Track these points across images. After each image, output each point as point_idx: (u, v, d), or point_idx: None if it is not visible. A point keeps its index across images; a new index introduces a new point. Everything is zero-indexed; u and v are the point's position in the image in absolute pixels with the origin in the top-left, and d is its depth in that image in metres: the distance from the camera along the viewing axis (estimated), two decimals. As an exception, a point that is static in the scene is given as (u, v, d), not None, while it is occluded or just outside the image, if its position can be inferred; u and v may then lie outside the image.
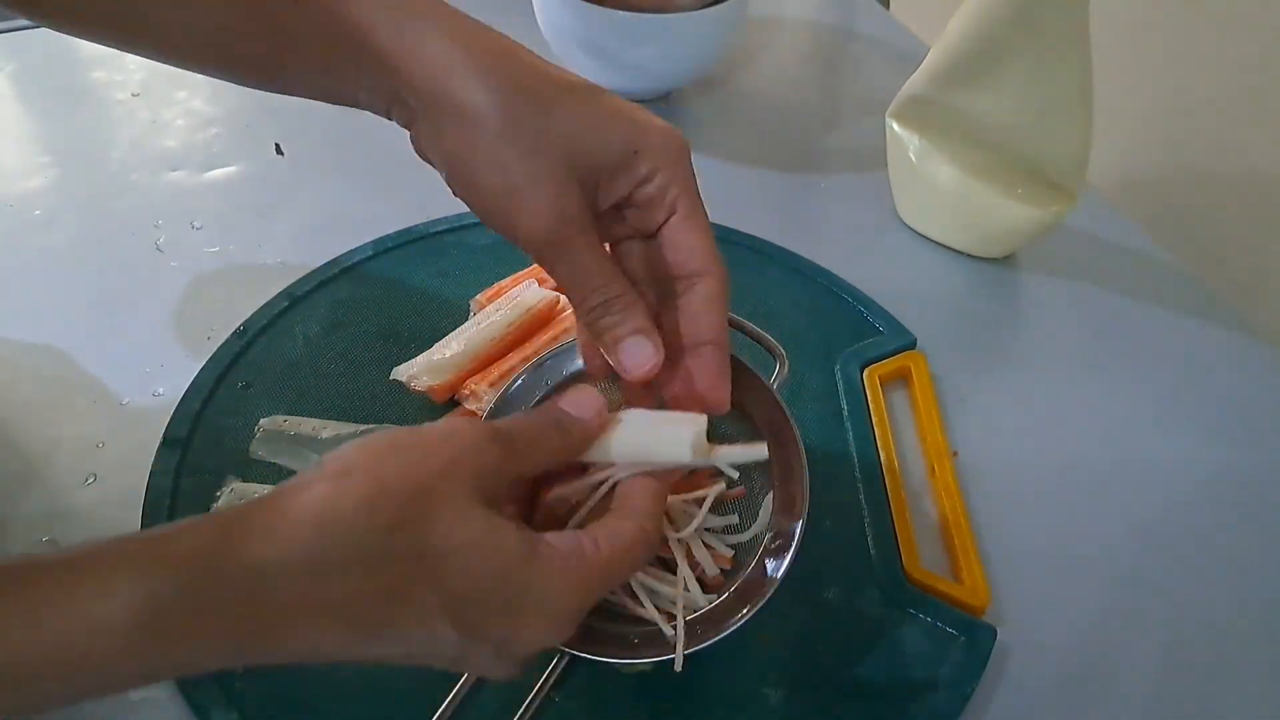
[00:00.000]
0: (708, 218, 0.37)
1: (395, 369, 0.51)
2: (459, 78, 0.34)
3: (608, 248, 0.38)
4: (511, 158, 0.33)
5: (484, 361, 0.51)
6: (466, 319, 0.55)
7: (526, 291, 0.54)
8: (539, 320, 0.53)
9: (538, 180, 0.34)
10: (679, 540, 0.42)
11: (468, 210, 0.35)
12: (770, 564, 0.40)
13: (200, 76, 0.39)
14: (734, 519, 0.44)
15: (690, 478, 0.44)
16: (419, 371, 0.50)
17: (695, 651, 0.38)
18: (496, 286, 0.56)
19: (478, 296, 0.56)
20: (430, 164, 0.37)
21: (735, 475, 0.38)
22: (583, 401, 0.35)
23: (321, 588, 0.27)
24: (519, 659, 0.31)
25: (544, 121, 0.34)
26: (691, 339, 0.37)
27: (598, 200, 0.36)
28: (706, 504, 0.40)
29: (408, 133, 0.37)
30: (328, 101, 0.38)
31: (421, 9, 0.35)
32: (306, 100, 0.38)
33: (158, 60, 0.38)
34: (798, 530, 0.40)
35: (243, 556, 0.26)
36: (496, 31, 0.36)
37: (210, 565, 0.26)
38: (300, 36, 0.35)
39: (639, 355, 0.36)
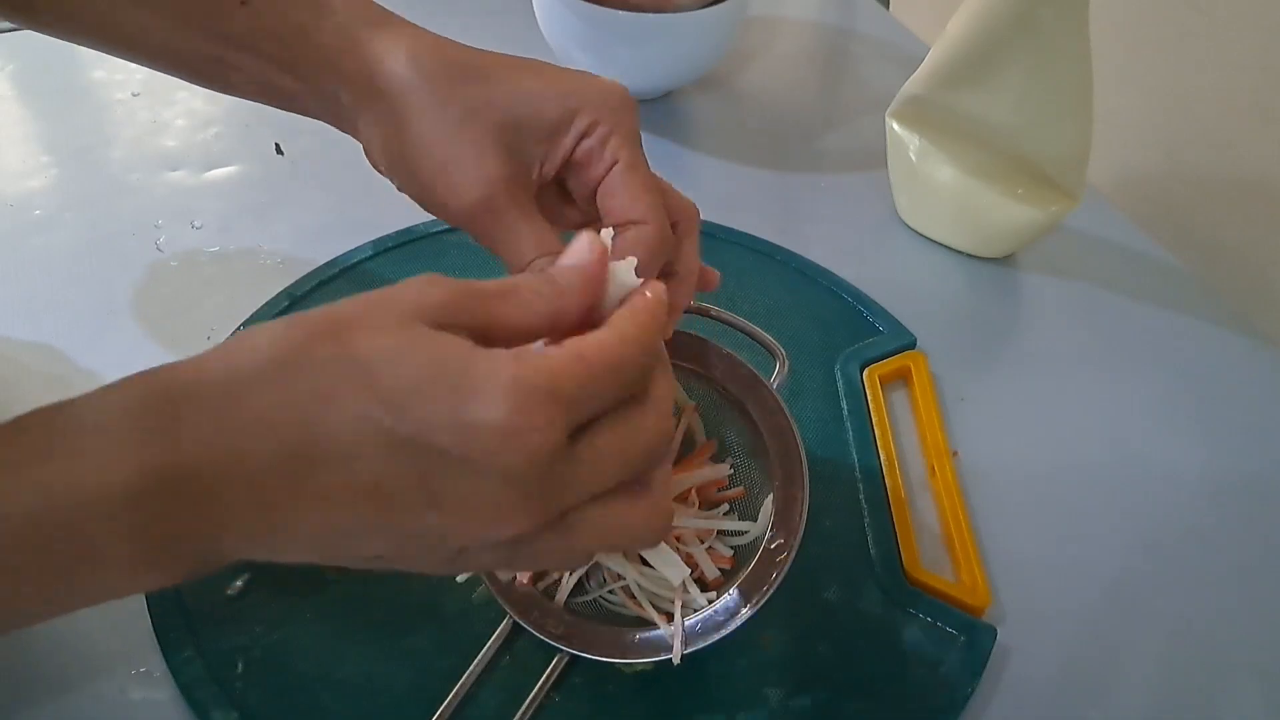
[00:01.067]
0: (651, 172, 0.36)
1: None
2: (389, 63, 0.35)
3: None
4: (438, 134, 0.34)
5: None
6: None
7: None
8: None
9: (463, 152, 0.34)
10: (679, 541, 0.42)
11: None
12: (770, 564, 0.40)
13: None
14: (735, 520, 0.44)
15: (686, 462, 0.44)
16: None
17: (695, 652, 0.38)
18: None
19: None
20: (379, 170, 0.38)
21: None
22: (580, 247, 0.29)
23: (230, 399, 0.25)
24: (496, 459, 0.24)
25: (474, 93, 0.34)
26: None
27: (541, 168, 0.36)
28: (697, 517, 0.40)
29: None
30: (278, 107, 0.39)
31: (371, 16, 0.36)
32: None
33: (107, 53, 0.39)
34: (798, 531, 0.40)
35: (156, 390, 0.26)
36: (447, 39, 0.37)
37: (128, 408, 0.25)
38: (246, 39, 0.36)
39: (580, 251, 0.33)
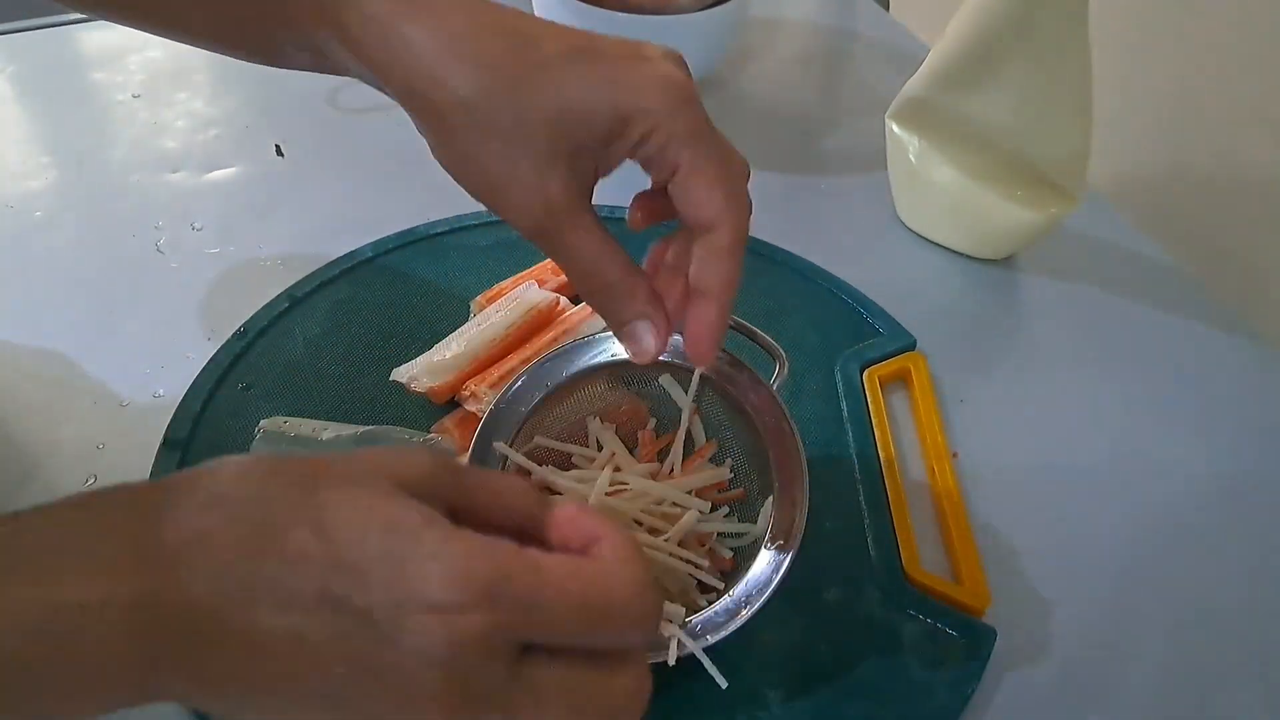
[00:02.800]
0: (721, 162, 0.34)
1: (395, 370, 0.51)
2: (430, 73, 0.32)
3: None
4: (490, 152, 0.33)
5: (484, 363, 0.51)
6: (467, 320, 0.55)
7: (527, 292, 0.54)
8: (540, 321, 0.53)
9: (517, 171, 0.33)
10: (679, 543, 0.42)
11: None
12: (770, 565, 0.40)
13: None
14: (734, 521, 0.44)
15: (684, 468, 0.44)
16: (419, 373, 0.50)
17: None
18: (497, 288, 0.56)
19: (478, 298, 0.56)
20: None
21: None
22: (576, 518, 0.28)
23: (198, 517, 0.24)
24: (421, 654, 0.23)
25: (524, 103, 0.32)
26: (695, 288, 0.36)
27: (598, 170, 0.35)
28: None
29: (407, 134, 0.37)
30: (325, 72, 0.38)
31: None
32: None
33: (157, 34, 0.39)
34: (797, 532, 0.40)
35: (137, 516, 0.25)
36: (483, 2, 0.34)
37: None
38: (300, 26, 0.35)
39: (641, 340, 0.36)
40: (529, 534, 0.27)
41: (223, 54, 0.39)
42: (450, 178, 0.35)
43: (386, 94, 0.35)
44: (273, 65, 0.38)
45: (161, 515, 0.24)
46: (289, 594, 0.23)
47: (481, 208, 0.35)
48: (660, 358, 0.43)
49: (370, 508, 0.24)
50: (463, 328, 0.54)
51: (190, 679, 0.24)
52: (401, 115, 0.35)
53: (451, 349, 0.51)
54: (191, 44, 0.39)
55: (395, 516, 0.24)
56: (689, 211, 0.35)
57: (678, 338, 0.44)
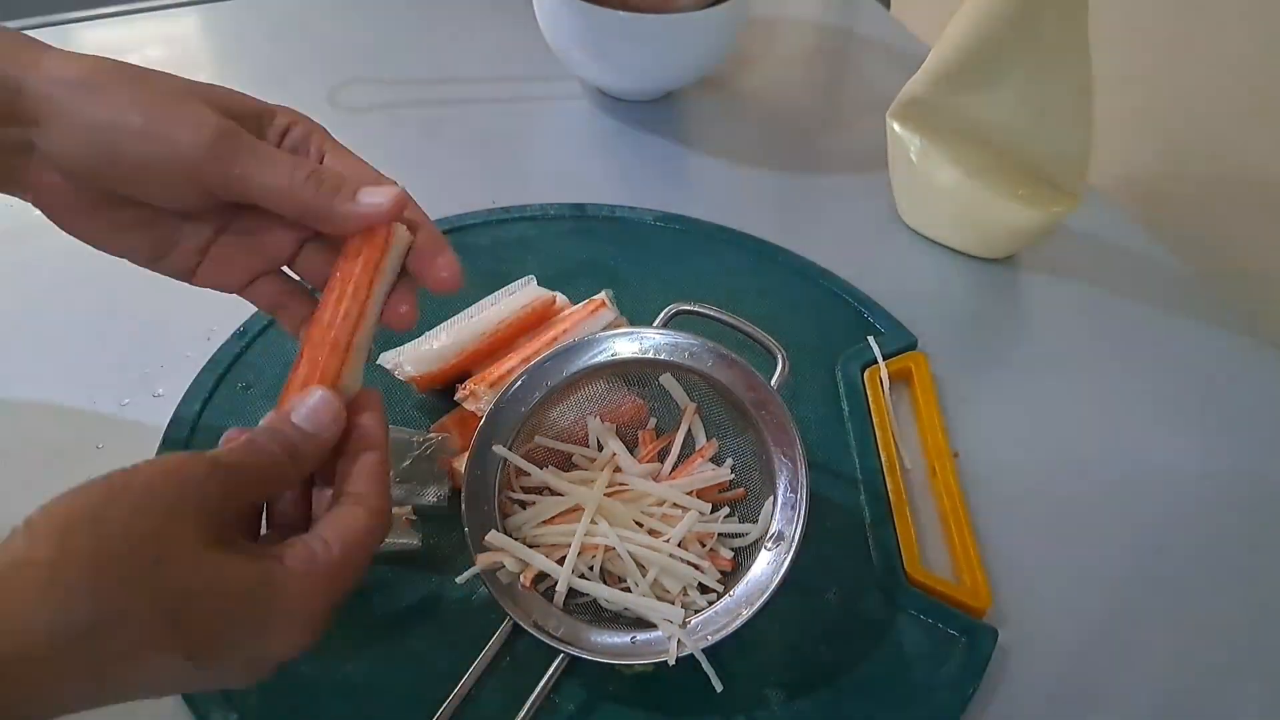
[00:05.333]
0: (358, 156, 0.37)
1: (382, 355, 0.51)
2: (77, 66, 0.33)
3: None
4: (155, 96, 0.33)
5: (472, 357, 0.50)
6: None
7: (523, 289, 0.54)
8: (532, 318, 0.53)
9: (189, 104, 0.33)
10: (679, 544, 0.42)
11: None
12: (770, 566, 0.40)
13: (201, 76, 0.38)
14: (735, 521, 0.44)
15: (682, 467, 0.44)
16: (404, 360, 0.50)
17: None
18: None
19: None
20: (48, 207, 0.36)
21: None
22: (317, 412, 0.34)
23: (55, 667, 0.25)
24: (273, 666, 0.31)
25: (175, 83, 0.34)
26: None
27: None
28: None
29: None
30: None
31: (28, 39, 0.35)
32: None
33: None
34: (798, 532, 0.40)
35: None
36: None
37: None
38: None
39: (379, 195, 0.34)
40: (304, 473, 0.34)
41: None
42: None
43: (7, 134, 0.34)
44: None
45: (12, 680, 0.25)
46: (153, 686, 0.28)
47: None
48: (659, 356, 0.43)
49: (209, 589, 0.28)
50: (454, 318, 0.53)
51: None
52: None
53: (440, 339, 0.51)
54: None
55: (230, 584, 0.29)
56: (351, 178, 0.36)
57: (678, 337, 0.44)
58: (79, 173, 0.34)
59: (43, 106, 0.33)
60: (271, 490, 0.33)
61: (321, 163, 0.36)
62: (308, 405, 0.34)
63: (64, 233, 0.37)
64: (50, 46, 0.35)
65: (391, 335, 0.55)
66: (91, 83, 0.33)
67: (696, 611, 0.40)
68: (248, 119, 0.35)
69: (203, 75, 0.38)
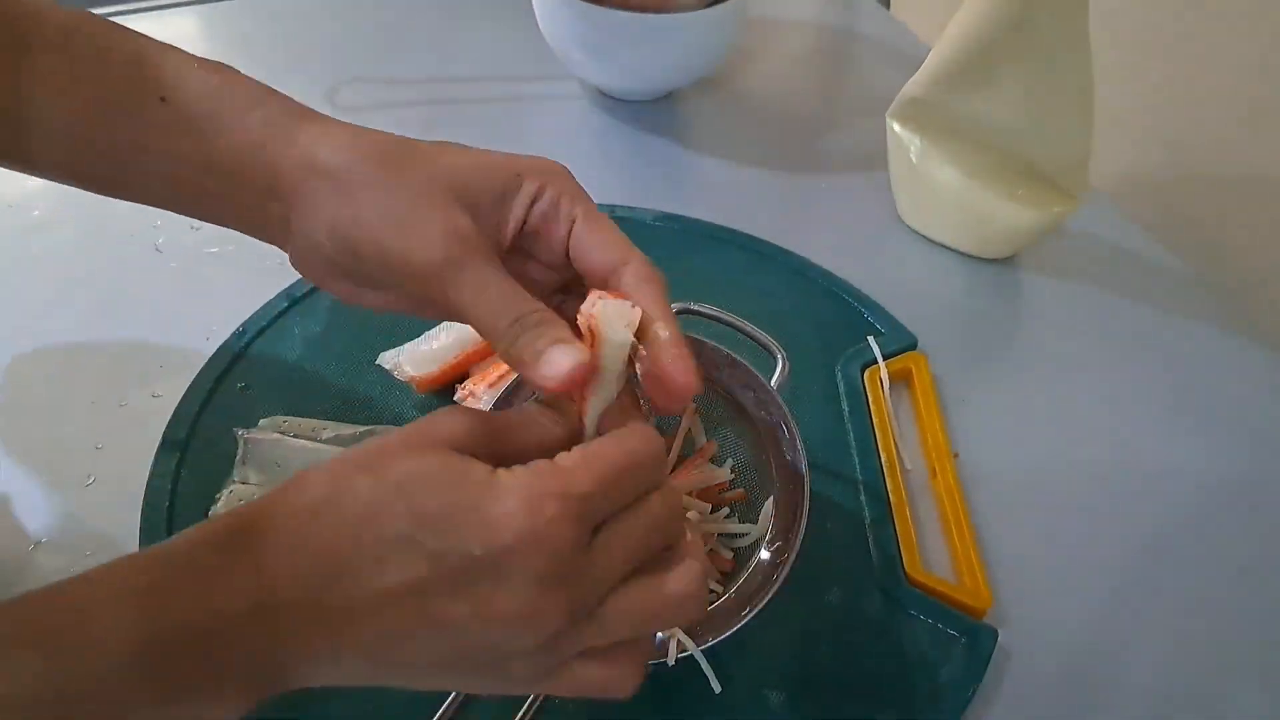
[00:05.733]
0: (606, 217, 0.36)
1: (382, 354, 0.51)
2: (328, 148, 0.34)
3: None
4: (396, 198, 0.33)
5: (470, 357, 0.51)
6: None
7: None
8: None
9: (426, 208, 0.33)
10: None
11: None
12: (771, 566, 0.40)
13: None
14: (735, 522, 0.44)
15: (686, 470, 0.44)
16: (404, 360, 0.50)
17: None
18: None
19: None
20: (306, 272, 0.37)
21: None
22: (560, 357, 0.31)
23: (292, 535, 0.27)
24: (528, 583, 0.27)
25: (421, 168, 0.34)
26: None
27: (499, 233, 0.35)
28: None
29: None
30: (181, 210, 0.38)
31: (296, 109, 0.36)
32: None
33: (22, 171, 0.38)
34: (798, 533, 0.40)
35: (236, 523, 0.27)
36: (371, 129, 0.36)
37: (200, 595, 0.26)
38: (162, 139, 0.35)
39: (560, 359, 0.31)
40: (568, 442, 0.31)
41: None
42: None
43: (248, 213, 0.36)
44: (111, 193, 0.39)
45: (255, 534, 0.27)
46: (394, 561, 0.27)
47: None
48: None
49: (440, 469, 0.28)
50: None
51: (313, 665, 0.28)
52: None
53: (440, 339, 0.51)
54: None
55: (463, 471, 0.28)
56: (596, 258, 0.35)
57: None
58: (324, 259, 0.35)
59: (292, 194, 0.34)
60: (526, 439, 0.31)
61: (573, 229, 0.35)
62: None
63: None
64: (311, 116, 0.35)
65: (391, 336, 0.55)
66: (340, 179, 0.34)
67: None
68: (492, 192, 0.34)
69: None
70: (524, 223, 0.35)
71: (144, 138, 0.35)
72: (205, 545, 0.27)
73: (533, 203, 0.35)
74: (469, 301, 0.33)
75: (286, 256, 0.37)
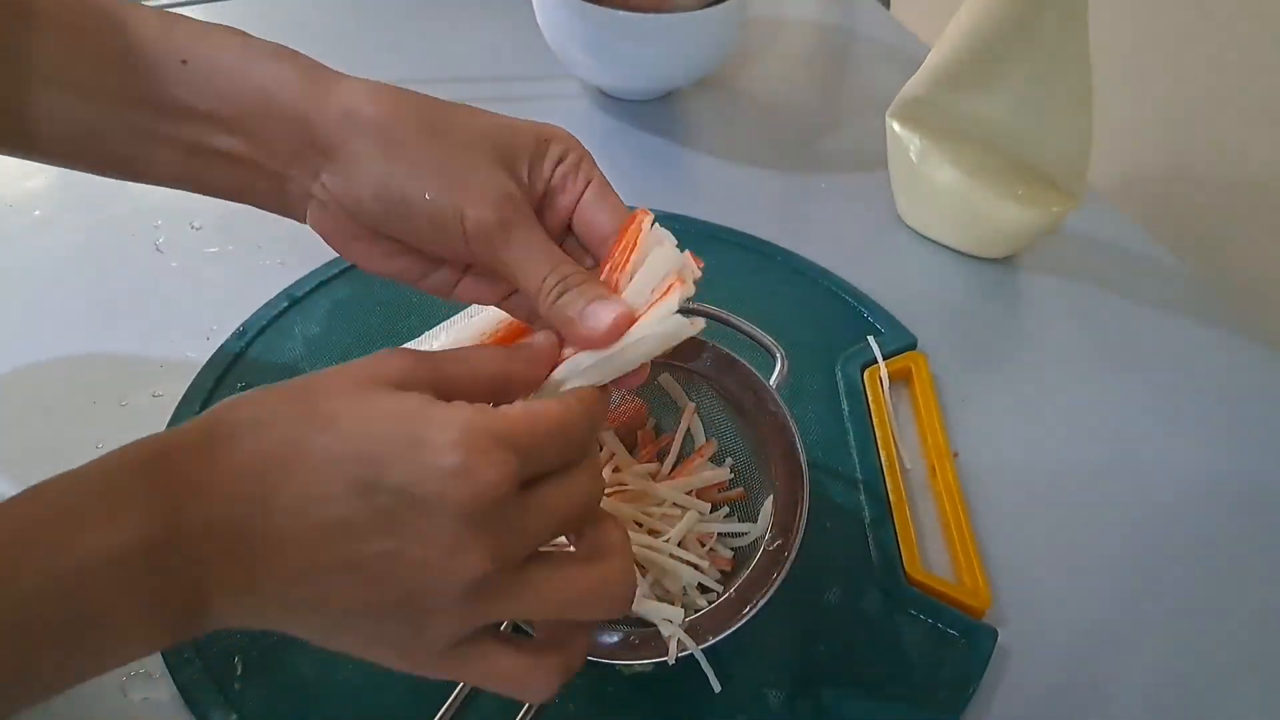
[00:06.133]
0: (618, 195, 0.37)
1: None
2: (368, 101, 0.34)
3: None
4: (446, 154, 0.33)
5: None
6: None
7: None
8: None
9: (476, 166, 0.34)
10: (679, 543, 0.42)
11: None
12: (770, 566, 0.40)
13: None
14: (734, 521, 0.44)
15: (681, 469, 0.44)
16: None
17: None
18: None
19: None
20: (328, 234, 0.37)
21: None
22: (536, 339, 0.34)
23: (219, 459, 0.27)
24: (452, 508, 0.26)
25: (463, 125, 0.34)
26: None
27: (531, 195, 0.36)
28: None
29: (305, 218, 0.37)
30: (200, 188, 0.37)
31: (324, 69, 0.36)
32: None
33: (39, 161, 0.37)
34: (798, 532, 0.40)
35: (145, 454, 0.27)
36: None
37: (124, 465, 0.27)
38: (184, 102, 0.34)
39: (604, 314, 0.33)
40: (506, 382, 0.32)
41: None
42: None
43: (275, 179, 0.36)
44: (132, 170, 0.37)
45: (172, 458, 0.27)
46: (320, 492, 0.26)
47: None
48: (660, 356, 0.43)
49: (372, 402, 0.27)
50: (454, 318, 0.53)
51: (230, 597, 0.27)
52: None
53: (440, 339, 0.51)
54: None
55: (396, 405, 0.27)
56: (603, 221, 0.36)
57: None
58: (361, 215, 0.35)
59: (334, 149, 0.34)
60: (468, 373, 0.31)
61: (584, 194, 0.36)
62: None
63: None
64: (343, 75, 0.35)
65: (391, 337, 0.55)
66: (387, 131, 0.34)
67: (696, 611, 0.40)
68: (526, 154, 0.35)
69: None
70: (548, 184, 0.36)
71: (166, 101, 0.34)
72: (124, 469, 0.27)
73: (557, 164, 0.36)
74: (519, 262, 0.34)
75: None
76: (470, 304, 0.40)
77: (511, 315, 0.40)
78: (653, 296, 0.33)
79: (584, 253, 0.37)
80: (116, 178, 0.38)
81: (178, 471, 0.26)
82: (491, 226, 0.33)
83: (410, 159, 0.33)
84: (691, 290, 0.33)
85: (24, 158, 0.37)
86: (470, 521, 0.26)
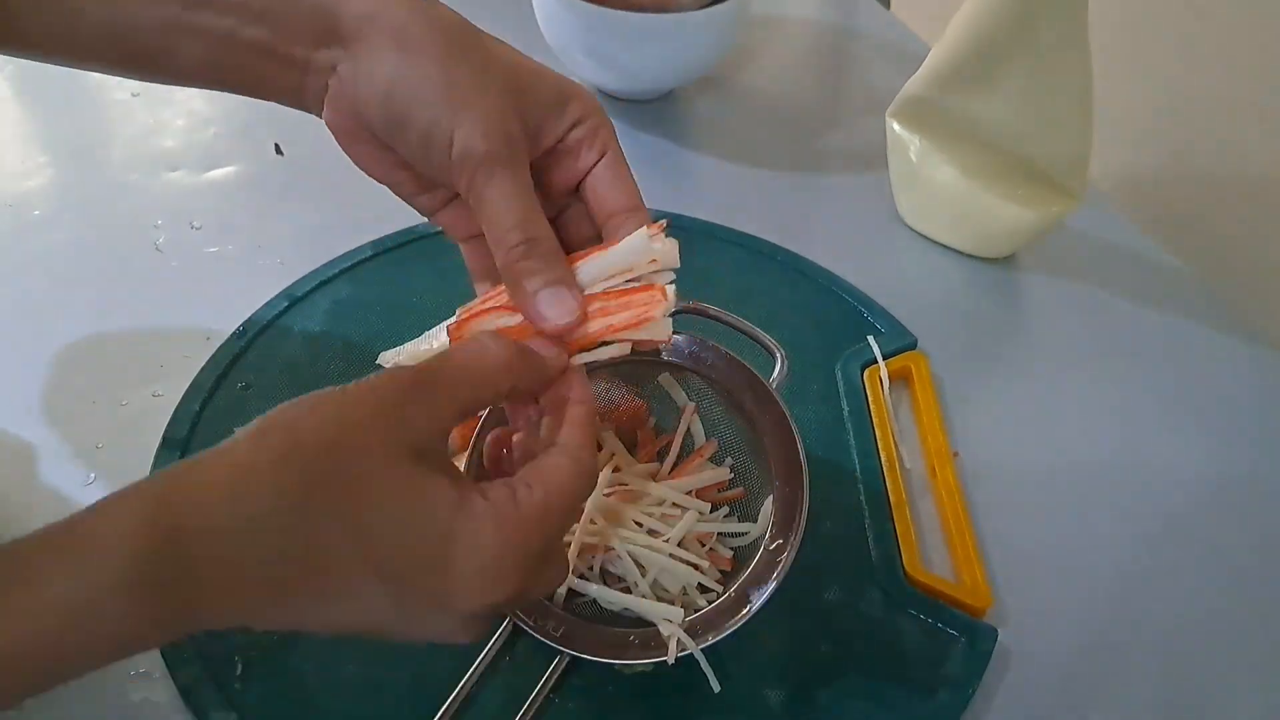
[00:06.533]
0: (631, 171, 0.37)
1: (382, 354, 0.51)
2: (397, 7, 0.34)
3: None
4: (461, 72, 0.33)
5: None
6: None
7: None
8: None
9: (483, 94, 0.33)
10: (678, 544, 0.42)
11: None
12: (770, 565, 0.40)
13: None
14: (734, 521, 0.44)
15: (682, 467, 0.44)
16: (404, 359, 0.50)
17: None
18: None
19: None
20: (336, 130, 0.37)
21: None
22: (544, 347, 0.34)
23: (237, 551, 0.26)
24: (466, 618, 0.29)
25: (485, 52, 0.34)
26: None
27: (533, 146, 0.35)
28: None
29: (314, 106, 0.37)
30: (223, 84, 0.37)
31: None
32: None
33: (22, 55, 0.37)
34: (797, 532, 0.40)
35: (161, 536, 0.25)
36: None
37: (136, 548, 0.25)
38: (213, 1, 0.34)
39: (559, 305, 0.33)
40: (520, 387, 0.32)
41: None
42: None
43: (295, 71, 0.35)
44: (157, 67, 0.37)
45: (188, 548, 0.25)
46: (349, 594, 0.27)
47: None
48: (660, 356, 0.43)
49: (403, 513, 0.27)
50: (454, 318, 0.53)
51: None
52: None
53: (440, 338, 0.51)
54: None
55: (427, 510, 0.28)
56: (613, 195, 0.36)
57: (678, 337, 0.44)
58: (365, 116, 0.35)
59: (353, 41, 0.34)
60: (479, 396, 0.31)
61: (597, 164, 0.36)
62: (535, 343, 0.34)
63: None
64: None
65: (392, 335, 0.55)
66: (407, 35, 0.33)
67: (696, 611, 0.40)
68: (542, 103, 0.35)
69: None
70: (558, 143, 0.36)
71: (182, 4, 0.34)
72: (137, 560, 0.24)
73: (571, 127, 0.35)
74: (492, 201, 0.33)
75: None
76: (445, 232, 0.40)
77: (470, 262, 0.40)
78: (610, 281, 0.34)
79: (586, 222, 0.37)
80: (137, 77, 0.38)
81: (199, 557, 0.25)
82: (477, 157, 0.33)
83: (421, 67, 0.33)
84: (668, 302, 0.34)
85: (53, 61, 0.37)
86: (479, 615, 0.29)
